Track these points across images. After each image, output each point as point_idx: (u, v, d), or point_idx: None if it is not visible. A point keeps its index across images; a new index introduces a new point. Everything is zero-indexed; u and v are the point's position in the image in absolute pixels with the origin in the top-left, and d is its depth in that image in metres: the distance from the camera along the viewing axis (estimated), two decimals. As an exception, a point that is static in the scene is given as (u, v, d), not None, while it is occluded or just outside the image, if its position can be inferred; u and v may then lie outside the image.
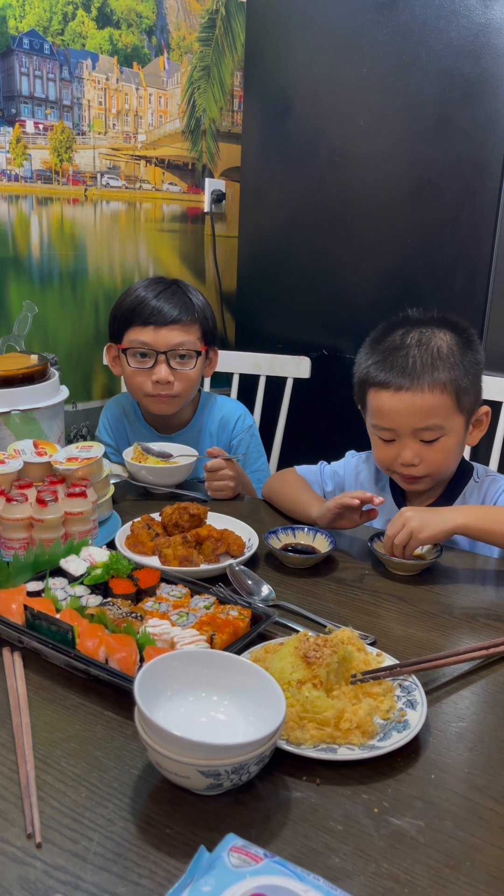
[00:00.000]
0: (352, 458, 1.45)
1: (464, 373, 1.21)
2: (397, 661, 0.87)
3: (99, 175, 2.30)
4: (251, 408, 1.90)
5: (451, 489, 1.32)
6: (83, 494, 1.12)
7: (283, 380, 2.08)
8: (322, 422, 2.18)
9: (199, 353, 1.56)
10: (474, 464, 1.37)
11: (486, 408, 1.30)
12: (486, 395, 1.37)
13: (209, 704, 0.74)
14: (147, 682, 0.69)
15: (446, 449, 1.23)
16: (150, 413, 1.65)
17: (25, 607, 0.88)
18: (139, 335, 1.53)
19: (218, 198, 2.66)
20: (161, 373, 1.52)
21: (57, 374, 1.42)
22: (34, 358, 1.43)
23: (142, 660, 0.82)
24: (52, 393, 1.37)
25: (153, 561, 1.12)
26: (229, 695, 0.75)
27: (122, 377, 1.62)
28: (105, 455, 1.27)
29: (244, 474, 1.52)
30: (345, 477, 1.43)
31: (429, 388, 1.19)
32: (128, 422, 1.71)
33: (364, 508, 1.22)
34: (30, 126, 2.10)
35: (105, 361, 1.70)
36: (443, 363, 1.20)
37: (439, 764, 0.73)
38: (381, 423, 1.24)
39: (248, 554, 1.14)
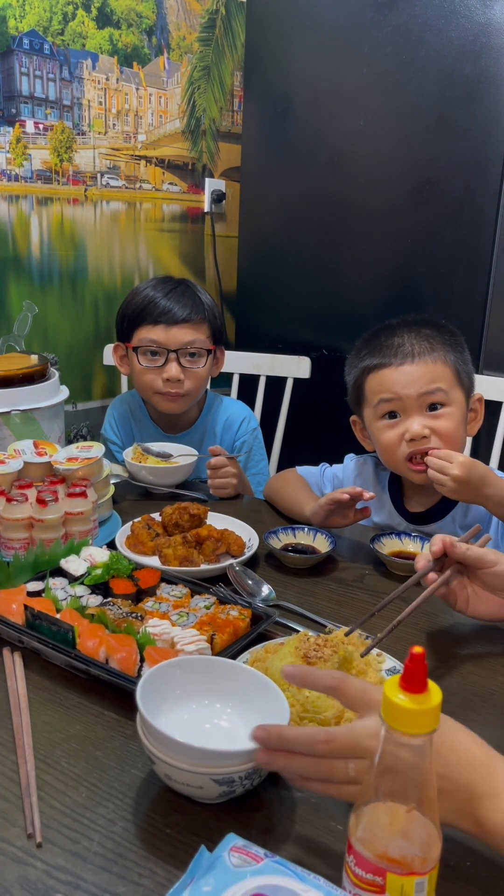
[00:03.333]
0: (350, 461, 1.45)
1: (458, 352, 1.27)
2: (398, 662, 0.87)
3: (99, 175, 2.30)
4: (251, 408, 1.89)
5: None
6: (83, 494, 1.12)
7: (283, 380, 2.08)
8: (322, 422, 2.18)
9: (208, 352, 1.57)
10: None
11: (479, 394, 1.32)
12: (486, 396, 1.38)
13: (212, 712, 0.74)
14: (149, 691, 0.69)
15: (454, 418, 1.23)
16: (156, 412, 1.65)
17: (26, 607, 0.88)
18: (149, 333, 1.53)
19: (218, 198, 2.66)
20: (172, 370, 1.52)
21: (57, 374, 1.42)
22: (34, 358, 1.43)
23: (142, 660, 0.82)
24: (52, 393, 1.37)
25: (153, 561, 1.12)
26: (232, 702, 0.74)
27: (128, 376, 1.63)
28: (109, 453, 1.27)
29: (244, 475, 1.52)
30: (343, 480, 1.43)
31: (431, 361, 1.23)
32: (134, 420, 1.71)
33: (358, 506, 1.22)
34: (30, 126, 2.10)
35: (112, 361, 1.70)
36: (438, 343, 1.25)
37: (439, 764, 0.73)
38: (385, 396, 1.24)
39: (248, 554, 1.15)
